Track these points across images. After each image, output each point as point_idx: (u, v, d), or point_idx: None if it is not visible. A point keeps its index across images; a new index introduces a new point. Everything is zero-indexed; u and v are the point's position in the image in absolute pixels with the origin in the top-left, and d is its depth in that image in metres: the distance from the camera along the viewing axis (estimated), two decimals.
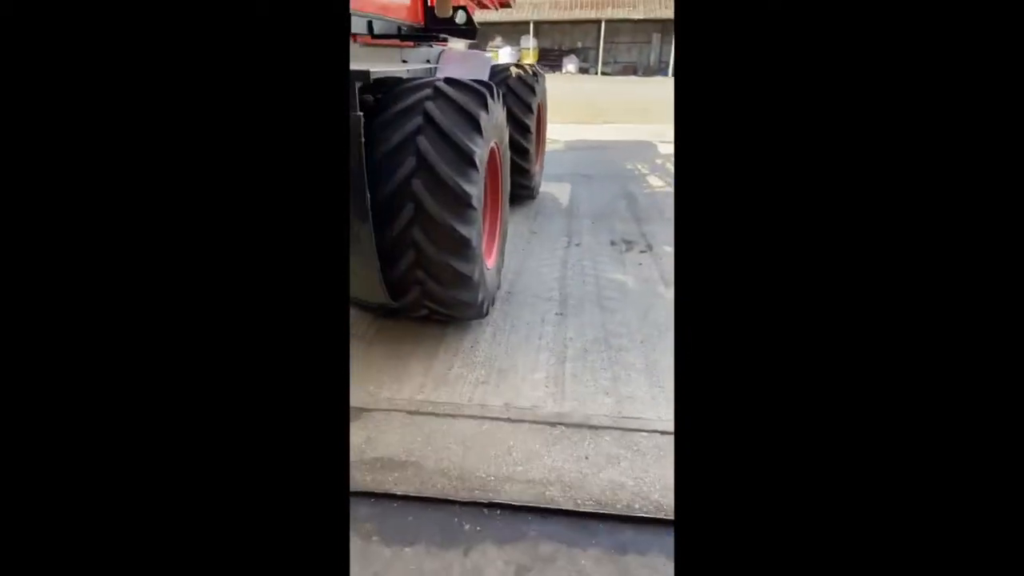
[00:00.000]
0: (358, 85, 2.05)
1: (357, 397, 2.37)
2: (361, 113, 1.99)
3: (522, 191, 4.99)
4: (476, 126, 2.36)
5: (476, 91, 2.49)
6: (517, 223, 4.71)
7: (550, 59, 30.98)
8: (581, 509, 1.80)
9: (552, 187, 6.02)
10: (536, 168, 5.19)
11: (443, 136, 2.28)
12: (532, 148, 4.75)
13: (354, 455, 2.03)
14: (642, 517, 1.77)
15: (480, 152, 2.36)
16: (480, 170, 2.37)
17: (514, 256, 3.95)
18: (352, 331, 2.92)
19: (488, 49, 29.50)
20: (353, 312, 3.07)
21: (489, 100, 2.52)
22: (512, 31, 30.83)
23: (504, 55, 27.64)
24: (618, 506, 1.81)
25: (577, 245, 4.23)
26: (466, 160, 2.29)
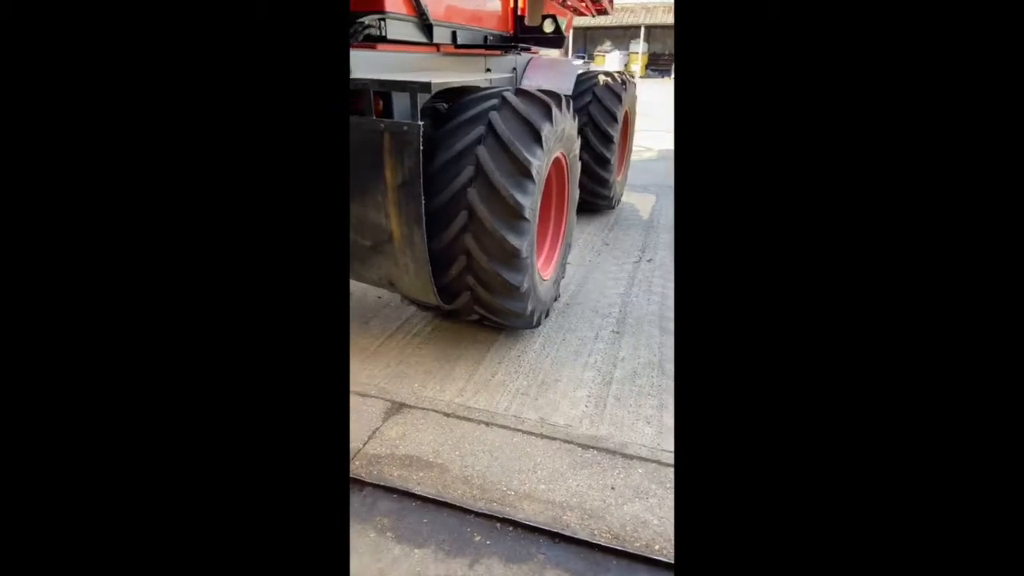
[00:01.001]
0: (422, 96, 2.13)
1: (401, 392, 2.47)
2: (422, 123, 2.06)
3: (600, 201, 4.89)
4: (536, 137, 2.36)
5: (542, 102, 2.49)
6: (590, 234, 4.63)
7: (660, 63, 30.03)
8: (596, 540, 1.73)
9: (635, 198, 5.84)
10: (617, 178, 5.06)
11: (502, 146, 2.30)
12: (613, 158, 4.64)
13: (386, 448, 2.12)
14: (659, 560, 1.66)
15: (538, 164, 2.35)
16: (536, 182, 2.36)
17: (580, 268, 3.89)
18: (408, 329, 3.05)
19: (596, 54, 29.22)
20: (411, 311, 3.20)
21: (555, 111, 2.50)
22: (623, 35, 30.30)
23: (612, 59, 27.22)
24: (636, 544, 1.72)
25: (649, 261, 4.06)
26: (522, 171, 2.30)
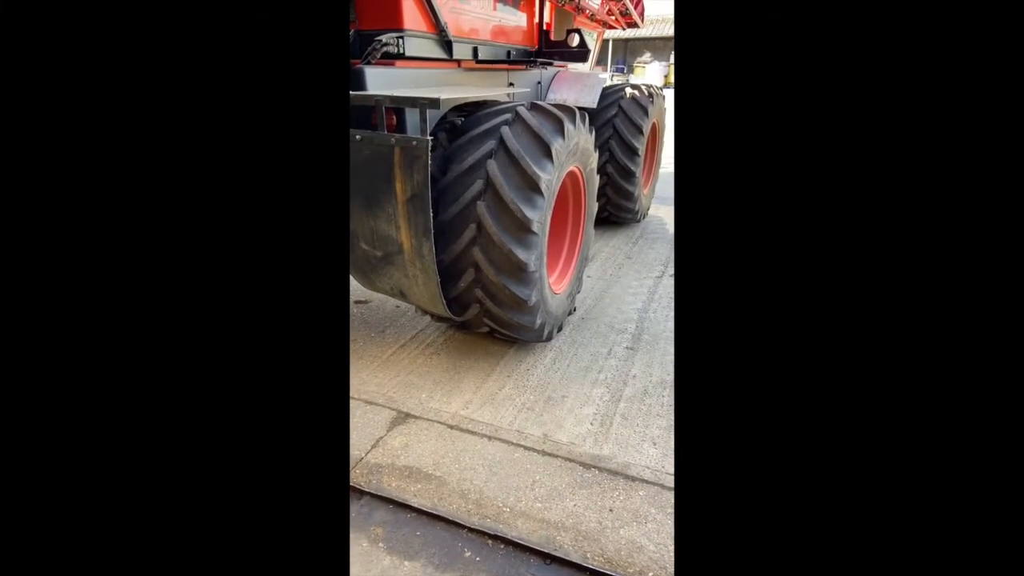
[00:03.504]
0: (431, 112, 2.17)
1: (408, 402, 2.49)
2: (430, 138, 2.10)
3: (625, 214, 4.83)
4: (547, 152, 2.36)
5: (555, 117, 2.49)
6: (614, 247, 4.57)
7: None
8: (588, 564, 1.68)
9: (663, 211, 5.73)
10: (643, 191, 4.99)
11: (512, 161, 2.31)
12: (638, 170, 4.58)
13: (388, 458, 2.14)
14: None
15: (548, 178, 2.35)
16: (546, 196, 2.36)
17: (600, 281, 3.84)
18: (421, 339, 3.08)
19: (636, 65, 28.98)
20: (425, 321, 3.24)
21: (568, 126, 2.50)
22: (664, 47, 30.00)
23: (652, 71, 26.96)
24: (630, 570, 1.67)
25: (671, 276, 3.97)
26: (531, 185, 2.30)
